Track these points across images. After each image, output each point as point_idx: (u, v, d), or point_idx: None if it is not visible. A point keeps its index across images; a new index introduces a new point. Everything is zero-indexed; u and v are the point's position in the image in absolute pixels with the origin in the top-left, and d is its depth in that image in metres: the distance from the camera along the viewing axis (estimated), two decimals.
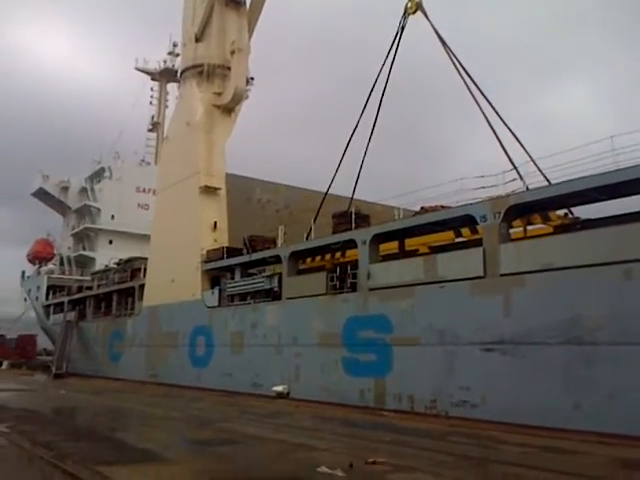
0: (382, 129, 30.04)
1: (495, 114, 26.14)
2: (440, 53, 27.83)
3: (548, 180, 21.10)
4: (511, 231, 21.07)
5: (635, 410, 15.46)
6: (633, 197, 19.07)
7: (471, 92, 26.68)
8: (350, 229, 26.18)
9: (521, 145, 25.77)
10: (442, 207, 23.21)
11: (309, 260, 30.29)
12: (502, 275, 19.60)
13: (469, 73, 27.00)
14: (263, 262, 31.58)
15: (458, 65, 27.26)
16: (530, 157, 24.56)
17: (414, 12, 28.77)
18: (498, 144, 25.24)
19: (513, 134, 25.94)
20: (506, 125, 26.15)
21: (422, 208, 24.45)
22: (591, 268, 17.12)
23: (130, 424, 18.14)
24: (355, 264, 25.45)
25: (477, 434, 15.77)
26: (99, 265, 56.43)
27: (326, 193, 31.41)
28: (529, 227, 22.14)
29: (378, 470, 10.51)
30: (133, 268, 44.22)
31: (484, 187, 21.79)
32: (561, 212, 22.19)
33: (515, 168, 23.11)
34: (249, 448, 13.10)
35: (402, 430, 16.67)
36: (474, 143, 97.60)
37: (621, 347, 16.19)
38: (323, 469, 10.31)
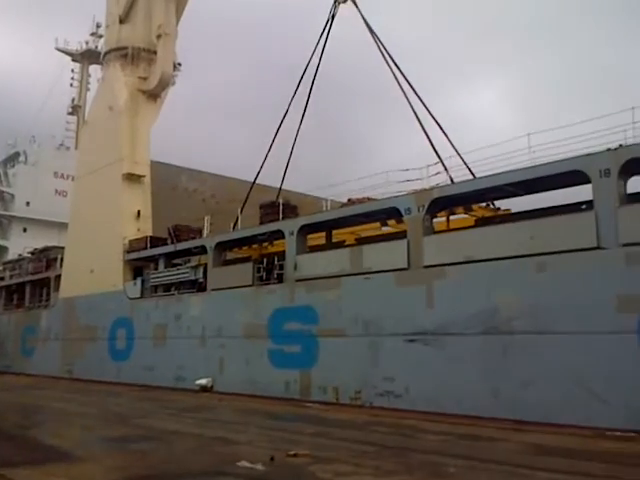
0: (305, 123, 29.99)
1: (418, 109, 26.59)
2: (364, 47, 28.16)
3: (473, 174, 21.61)
4: (435, 221, 21.47)
5: (548, 397, 16.07)
6: (550, 192, 19.86)
7: (400, 84, 26.95)
8: (278, 220, 26.02)
9: (448, 139, 26.37)
10: (369, 199, 23.39)
11: (237, 250, 30.03)
12: (425, 267, 19.94)
13: (398, 65, 27.27)
14: (188, 252, 31.04)
15: (387, 57, 27.49)
16: (456, 151, 25.17)
17: (345, 1, 28.84)
18: (421, 140, 25.79)
19: (441, 128, 26.47)
20: (434, 119, 26.66)
21: (349, 200, 24.59)
22: (508, 260, 17.65)
23: (41, 421, 17.32)
24: (282, 255, 25.35)
25: (399, 424, 15.98)
26: (12, 254, 53.60)
27: (253, 183, 31.19)
28: (453, 217, 22.52)
29: (299, 462, 10.46)
30: (49, 258, 42.39)
31: (409, 180, 22.18)
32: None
33: (441, 160, 23.61)
34: (167, 444, 12.78)
35: (325, 421, 16.72)
36: (389, 141, 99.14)
37: (535, 336, 16.78)
38: (243, 463, 10.18)
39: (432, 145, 25.33)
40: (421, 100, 26.86)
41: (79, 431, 15.14)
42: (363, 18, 28.10)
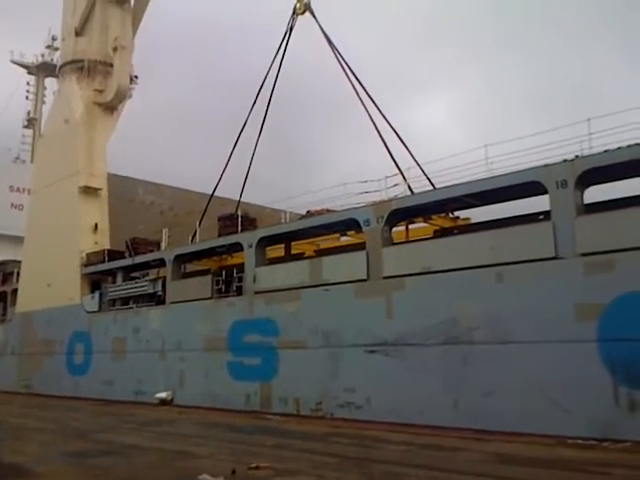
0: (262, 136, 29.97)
1: (377, 120, 26.71)
2: (316, 62, 28.37)
3: (432, 184, 21.82)
4: (395, 230, 21.60)
5: (508, 406, 16.25)
6: (510, 202, 20.23)
7: (358, 94, 27.06)
8: (236, 232, 25.90)
9: (407, 149, 26.54)
10: (327, 211, 23.45)
11: (197, 263, 29.77)
12: (384, 278, 20.05)
13: (356, 75, 27.42)
14: (146, 266, 30.72)
15: (346, 67, 27.65)
16: (415, 161, 25.36)
17: (302, 12, 29.03)
18: (375, 152, 26.03)
19: (400, 138, 26.60)
20: (393, 129, 26.70)
21: (308, 212, 24.63)
22: (467, 271, 17.87)
23: None
24: (241, 267, 25.22)
25: (360, 434, 15.97)
26: None
27: (212, 195, 30.97)
28: (412, 226, 22.67)
29: (261, 475, 10.37)
30: (5, 272, 41.68)
31: (368, 192, 22.32)
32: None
33: (400, 171, 23.72)
34: (127, 458, 12.54)
35: (286, 433, 16.60)
36: (342, 154, 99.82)
37: (495, 346, 16.98)
38: (204, 477, 10.03)
39: (391, 155, 25.43)
40: (380, 110, 27.01)
41: (38, 447, 14.72)
42: (321, 29, 28.31)
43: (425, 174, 23.45)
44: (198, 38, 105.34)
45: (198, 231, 28.83)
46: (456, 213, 22.48)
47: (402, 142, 26.65)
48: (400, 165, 24.54)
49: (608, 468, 10.95)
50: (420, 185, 22.35)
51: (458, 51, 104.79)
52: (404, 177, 23.08)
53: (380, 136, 26.16)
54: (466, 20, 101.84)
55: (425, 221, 22.33)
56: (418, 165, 24.94)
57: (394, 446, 13.94)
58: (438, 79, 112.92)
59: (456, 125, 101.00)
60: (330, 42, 28.27)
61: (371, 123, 26.43)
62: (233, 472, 10.43)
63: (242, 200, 31.04)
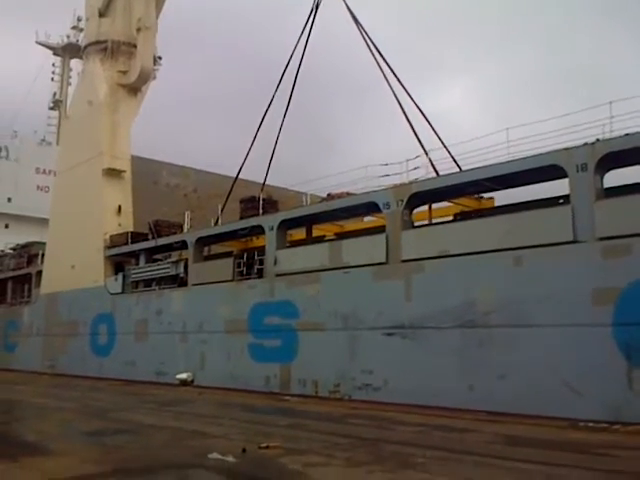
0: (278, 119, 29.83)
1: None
2: (341, 43, 28.03)
3: (459, 166, 21.58)
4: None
5: (523, 389, 16.23)
6: (531, 186, 20.02)
7: (384, 74, 26.60)
8: (258, 215, 26.01)
9: (434, 131, 26.08)
10: (348, 194, 23.42)
11: (222, 245, 30.04)
12: (403, 261, 20.02)
13: (382, 54, 26.98)
14: (169, 248, 31.01)
15: (372, 46, 27.22)
16: (442, 143, 25.10)
17: None
18: (398, 136, 25.69)
19: (427, 119, 26.15)
20: (420, 110, 26.17)
21: (329, 195, 24.60)
22: (484, 255, 17.77)
23: (19, 417, 17.23)
24: (263, 250, 25.35)
25: (375, 416, 16.09)
26: None
27: (236, 178, 30.88)
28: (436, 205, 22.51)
29: (270, 454, 10.50)
30: (30, 253, 42.05)
31: (388, 175, 22.22)
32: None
33: (425, 152, 23.40)
34: (142, 437, 12.79)
35: (302, 414, 16.78)
36: (365, 137, 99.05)
37: (510, 330, 16.93)
38: (214, 455, 10.19)
39: (417, 137, 24.83)
40: (406, 91, 26.41)
41: (56, 426, 15.07)
42: (348, 7, 27.94)
43: (451, 154, 23.25)
44: (222, 19, 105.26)
45: (220, 213, 28.95)
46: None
47: (428, 121, 26.11)
48: (420, 149, 24.26)
49: (613, 450, 10.94)
50: (441, 168, 22.17)
51: (468, 39, 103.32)
52: (429, 157, 22.81)
53: (404, 114, 25.56)
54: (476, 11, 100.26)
55: (449, 201, 22.14)
56: (444, 146, 24.72)
57: (407, 427, 14.02)
58: (451, 66, 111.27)
59: (471, 111, 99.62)
60: (355, 19, 27.82)
61: (395, 105, 25.97)
62: (243, 451, 10.58)
63: (267, 183, 31.00)
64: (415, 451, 10.63)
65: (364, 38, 27.47)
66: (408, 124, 25.40)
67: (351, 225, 26.91)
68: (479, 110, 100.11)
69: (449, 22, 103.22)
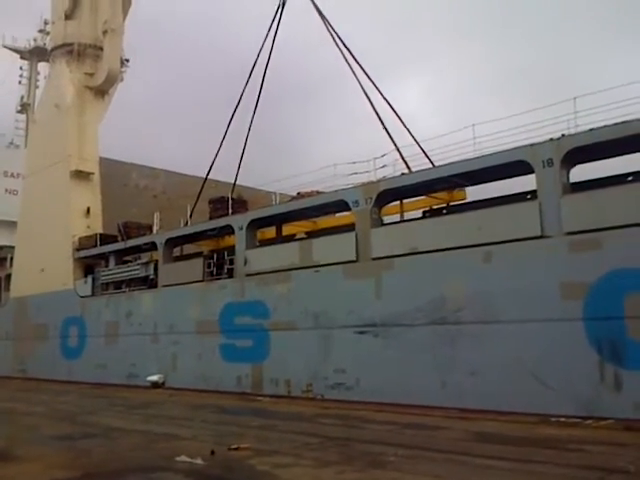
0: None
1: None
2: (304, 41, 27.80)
3: (432, 162, 21.55)
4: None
5: (495, 385, 16.31)
6: (500, 182, 20.15)
7: (352, 70, 26.36)
8: (227, 215, 25.84)
9: (405, 127, 25.98)
10: (317, 192, 23.37)
11: (196, 244, 29.81)
12: (374, 259, 20.02)
13: (347, 46, 26.79)
14: (138, 249, 30.67)
15: (337, 38, 27.02)
16: (414, 139, 25.02)
17: None
18: (356, 136, 25.50)
19: (397, 115, 26.06)
20: (390, 105, 26.06)
21: (298, 193, 24.53)
22: (454, 251, 17.84)
23: None
24: (233, 250, 25.18)
25: (346, 415, 16.04)
26: None
27: (205, 178, 30.67)
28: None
29: (240, 455, 10.41)
30: None
31: (356, 173, 22.22)
32: None
33: (397, 148, 23.41)
34: (110, 441, 12.62)
35: (273, 414, 16.68)
36: (325, 138, 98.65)
37: (482, 326, 17.00)
38: (183, 458, 10.09)
39: (387, 131, 24.65)
40: (375, 86, 26.21)
41: (22, 430, 14.80)
42: (314, 3, 27.80)
43: (423, 150, 23.07)
44: (188, 22, 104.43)
45: (189, 214, 28.71)
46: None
47: (398, 116, 25.91)
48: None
49: (584, 445, 11.01)
50: (411, 165, 22.21)
51: (428, 38, 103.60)
52: (400, 152, 22.78)
53: (374, 109, 25.33)
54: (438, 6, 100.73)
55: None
56: (415, 141, 24.72)
57: (378, 426, 14.01)
58: (407, 64, 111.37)
59: (429, 111, 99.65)
60: (321, 14, 27.64)
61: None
62: (212, 453, 10.48)
63: (237, 183, 30.78)
64: (385, 450, 10.60)
65: (330, 33, 27.31)
66: (378, 119, 25.27)
67: (323, 222, 26.79)
68: (434, 111, 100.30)
69: (401, 18, 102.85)
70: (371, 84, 26.40)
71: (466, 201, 21.77)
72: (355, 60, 26.63)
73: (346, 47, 26.81)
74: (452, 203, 22.02)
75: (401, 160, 22.66)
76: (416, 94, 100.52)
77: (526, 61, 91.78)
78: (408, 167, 21.96)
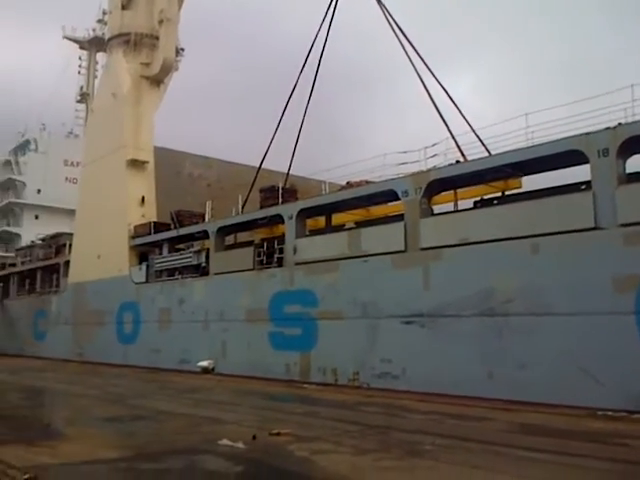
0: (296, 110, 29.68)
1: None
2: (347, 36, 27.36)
3: (488, 151, 21.16)
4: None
5: (542, 378, 16.03)
6: (553, 173, 19.69)
7: (409, 56, 25.99)
8: (277, 204, 26.05)
9: (461, 114, 25.39)
10: (367, 182, 23.31)
11: (251, 233, 30.15)
12: (422, 249, 19.88)
13: (406, 35, 26.37)
14: (191, 237, 31.21)
15: (393, 23, 26.66)
16: (471, 128, 24.46)
17: None
18: (410, 127, 24.92)
19: (454, 103, 25.54)
20: (447, 92, 25.57)
21: (348, 183, 24.53)
22: (503, 242, 17.55)
23: (40, 403, 17.64)
24: (282, 239, 25.39)
25: (390, 404, 16.04)
26: (25, 241, 54.41)
27: (259, 167, 30.86)
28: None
29: (280, 441, 10.53)
30: (58, 244, 42.98)
31: (406, 163, 22.05)
32: None
33: (453, 137, 22.96)
34: (157, 423, 12.96)
35: (317, 402, 16.83)
36: (377, 129, 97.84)
37: (531, 318, 16.70)
38: (224, 442, 10.26)
39: (443, 120, 24.05)
40: (433, 74, 25.60)
41: (75, 411, 15.37)
42: None
43: (480, 138, 22.69)
44: (242, 10, 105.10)
45: (240, 203, 29.05)
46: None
47: (455, 104, 25.33)
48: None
49: (628, 439, 10.77)
50: (458, 155, 21.89)
51: (479, 27, 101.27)
52: (456, 142, 22.35)
53: (430, 98, 24.73)
54: None
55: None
56: (472, 129, 24.08)
57: (420, 415, 13.96)
58: (461, 54, 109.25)
59: (483, 100, 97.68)
60: (380, 2, 27.27)
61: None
62: (254, 437, 10.63)
63: (290, 172, 30.89)
64: (425, 439, 10.57)
65: (388, 21, 26.83)
66: (433, 104, 24.68)
67: (375, 211, 26.64)
68: (493, 100, 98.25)
69: (454, 12, 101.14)
70: (427, 70, 25.96)
71: (519, 191, 21.29)
72: (412, 46, 26.12)
73: (403, 34, 26.39)
74: (507, 192, 21.56)
75: (452, 149, 22.28)
76: (470, 81, 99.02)
77: (585, 50, 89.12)
78: (463, 155, 21.54)
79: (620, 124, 15.90)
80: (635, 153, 16.57)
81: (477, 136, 23.31)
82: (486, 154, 21.19)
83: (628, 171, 16.44)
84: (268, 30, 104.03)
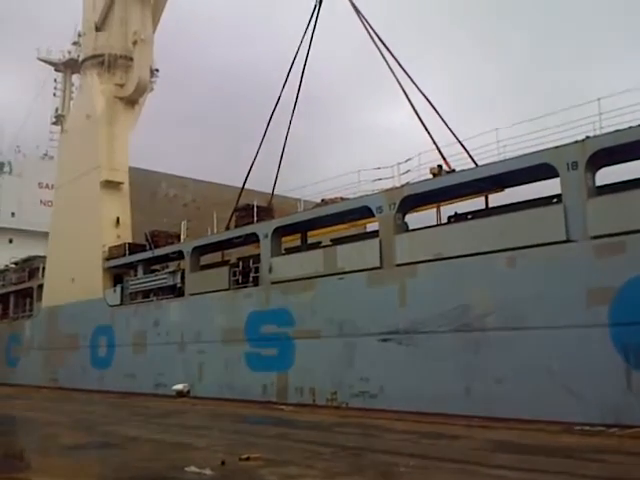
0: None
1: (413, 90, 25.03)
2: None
3: (475, 162, 21.08)
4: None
5: (520, 393, 15.89)
6: (524, 187, 19.68)
7: (387, 62, 25.55)
8: (252, 222, 25.81)
9: (447, 126, 24.83)
10: (342, 199, 23.17)
11: (220, 255, 29.83)
12: (397, 265, 19.74)
13: (385, 44, 25.94)
14: (166, 258, 30.84)
15: (374, 36, 26.24)
16: (457, 139, 23.81)
17: None
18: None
19: (437, 112, 24.95)
20: (427, 100, 24.95)
21: (323, 200, 24.36)
22: (478, 256, 17.46)
23: (6, 431, 17.03)
24: (258, 258, 25.11)
25: (365, 424, 15.78)
26: None
27: (242, 187, 30.34)
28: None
29: (250, 466, 10.22)
30: (31, 267, 42.25)
31: (381, 179, 21.91)
32: None
33: (438, 149, 22.41)
34: (124, 451, 12.55)
35: (292, 423, 16.50)
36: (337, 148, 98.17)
37: (507, 332, 16.60)
38: (192, 468, 9.92)
39: (427, 130, 23.36)
40: (411, 79, 24.80)
41: (41, 440, 14.87)
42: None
43: (466, 150, 22.22)
44: (218, 30, 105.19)
45: (215, 222, 28.74)
46: None
47: (438, 114, 24.77)
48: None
49: (604, 455, 10.64)
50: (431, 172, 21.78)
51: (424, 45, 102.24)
52: (442, 155, 21.93)
53: (412, 106, 24.01)
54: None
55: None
56: (458, 141, 23.52)
57: (395, 435, 13.72)
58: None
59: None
60: (357, 11, 26.86)
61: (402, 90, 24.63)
62: (222, 463, 10.30)
63: (263, 190, 30.62)
64: (397, 460, 10.32)
65: (367, 29, 26.33)
66: (417, 118, 23.93)
67: (354, 228, 26.35)
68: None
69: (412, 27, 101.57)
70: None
71: (490, 206, 21.21)
72: (393, 57, 25.39)
73: (383, 44, 25.88)
74: (480, 206, 21.37)
75: (425, 165, 22.06)
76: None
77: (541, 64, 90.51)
78: (448, 165, 21.14)
79: (588, 137, 15.95)
80: (604, 165, 16.64)
81: (463, 147, 22.47)
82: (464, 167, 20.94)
83: (598, 184, 16.46)
84: (241, 53, 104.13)
